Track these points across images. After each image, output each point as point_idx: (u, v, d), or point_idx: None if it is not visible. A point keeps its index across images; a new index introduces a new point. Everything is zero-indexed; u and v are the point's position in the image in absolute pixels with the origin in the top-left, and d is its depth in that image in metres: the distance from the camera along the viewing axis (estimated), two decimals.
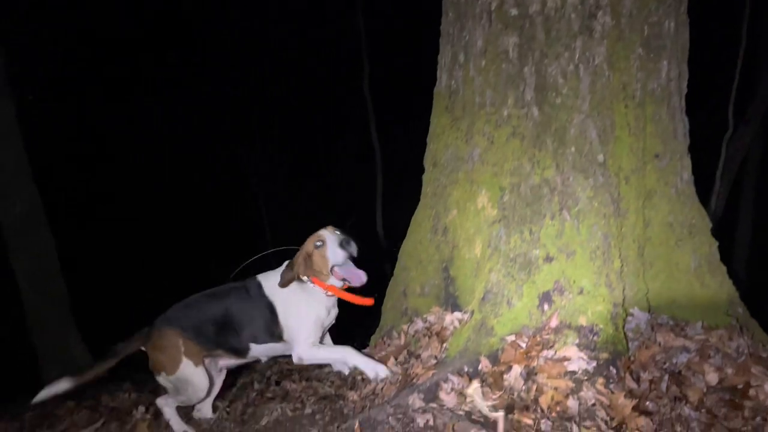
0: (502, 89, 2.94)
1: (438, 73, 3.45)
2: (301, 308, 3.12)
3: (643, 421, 2.31)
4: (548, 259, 2.76)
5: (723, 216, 8.57)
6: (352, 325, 3.70)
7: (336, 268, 3.08)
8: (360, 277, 3.06)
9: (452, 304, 3.18)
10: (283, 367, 3.87)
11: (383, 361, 3.08)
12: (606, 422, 2.32)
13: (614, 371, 2.58)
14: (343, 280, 3.10)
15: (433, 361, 2.84)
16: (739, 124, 8.21)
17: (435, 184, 3.34)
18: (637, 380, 2.56)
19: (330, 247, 3.07)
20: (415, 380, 2.75)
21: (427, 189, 3.44)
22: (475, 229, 3.07)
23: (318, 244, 3.09)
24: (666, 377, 2.57)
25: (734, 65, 7.27)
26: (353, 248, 3.09)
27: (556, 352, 2.59)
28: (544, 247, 2.78)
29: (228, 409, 3.38)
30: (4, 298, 6.37)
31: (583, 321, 2.66)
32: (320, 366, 3.52)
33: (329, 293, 3.15)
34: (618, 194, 2.88)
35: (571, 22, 2.80)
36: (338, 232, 3.13)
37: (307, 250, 3.13)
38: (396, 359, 3.03)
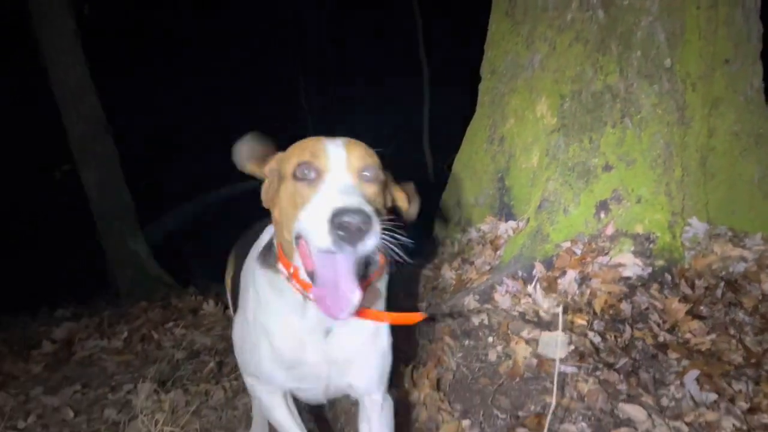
0: None
1: None
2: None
3: (696, 324, 2.36)
4: (607, 167, 2.74)
5: None
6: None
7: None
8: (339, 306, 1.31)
9: (506, 213, 3.22)
10: None
11: (437, 267, 3.19)
12: (659, 324, 2.38)
13: (669, 278, 2.61)
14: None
15: (487, 268, 2.92)
16: None
17: (492, 92, 3.29)
18: (692, 287, 2.58)
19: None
20: (468, 284, 2.85)
21: (484, 98, 3.40)
22: (533, 138, 3.05)
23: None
24: (722, 284, 2.59)
25: None
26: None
27: (611, 258, 2.63)
28: (603, 155, 2.75)
29: None
30: (76, 208, 6.75)
31: (639, 229, 2.67)
32: None
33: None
34: (683, 101, 2.79)
35: None
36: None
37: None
38: (450, 265, 3.12)
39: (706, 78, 2.87)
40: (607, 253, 2.65)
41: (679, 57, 2.75)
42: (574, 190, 2.77)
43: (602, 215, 2.74)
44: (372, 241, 1.19)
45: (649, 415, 1.86)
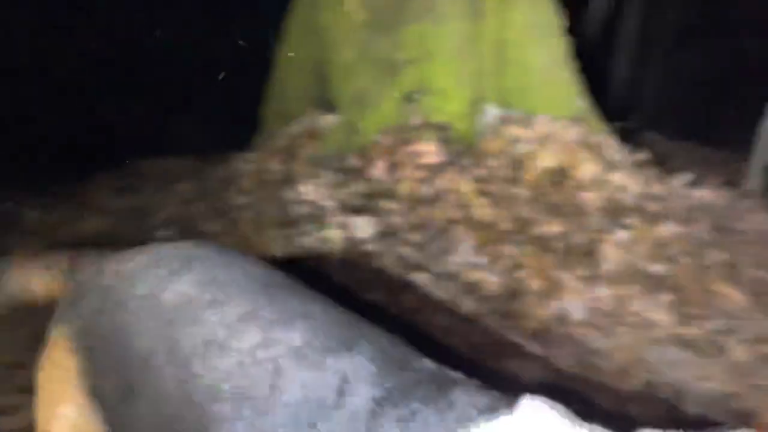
0: None
1: None
2: None
3: (482, 200, 2.78)
4: (411, 62, 2.97)
5: None
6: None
7: None
8: None
9: (328, 106, 3.38)
10: None
11: (266, 161, 3.33)
12: (452, 203, 2.77)
13: (464, 161, 2.99)
14: None
15: (308, 161, 3.12)
16: None
17: None
18: (483, 168, 2.99)
19: None
20: (293, 176, 3.04)
21: None
22: (345, 32, 3.17)
23: None
24: (506, 163, 3.02)
25: None
26: None
27: (415, 147, 2.94)
28: (407, 50, 2.96)
29: None
30: None
31: (440, 118, 2.98)
32: None
33: None
34: None
35: None
36: None
37: None
38: (275, 159, 3.27)
39: None
40: (412, 142, 2.95)
41: None
42: (382, 84, 2.99)
43: (408, 107, 3.00)
44: None
45: (434, 279, 2.26)
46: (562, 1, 3.58)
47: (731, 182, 3.48)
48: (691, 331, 2.22)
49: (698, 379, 2.02)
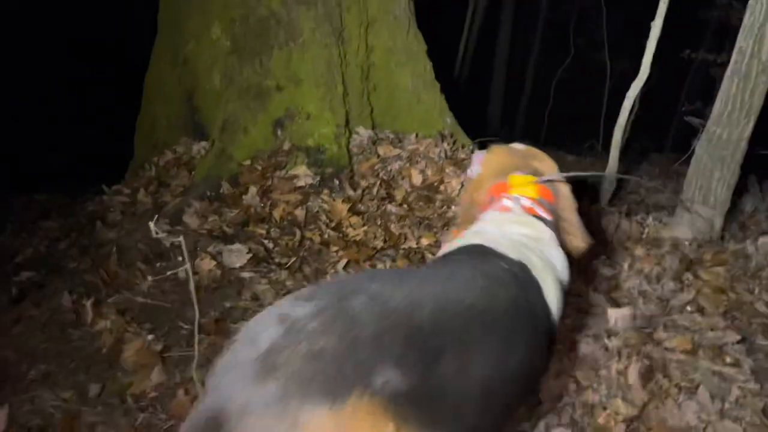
0: None
1: None
2: None
3: (355, 219, 2.87)
4: (278, 88, 3.02)
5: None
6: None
7: None
8: None
9: (199, 133, 3.36)
10: None
11: (135, 192, 3.24)
12: (326, 224, 2.84)
13: (337, 183, 3.07)
14: None
15: (181, 190, 3.07)
16: None
17: (169, 12, 3.28)
18: (355, 188, 3.09)
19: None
20: (163, 208, 2.98)
21: (164, 17, 3.37)
22: (212, 60, 3.17)
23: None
24: (378, 182, 3.14)
25: None
26: None
27: (287, 171, 2.99)
28: (274, 77, 3.02)
29: None
30: None
31: (310, 142, 3.06)
32: None
33: None
34: (340, 23, 3.15)
35: None
36: None
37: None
38: (146, 190, 3.20)
39: (360, 1, 3.25)
40: (284, 167, 3.00)
41: None
42: (251, 110, 3.01)
43: (279, 132, 3.05)
44: None
45: None
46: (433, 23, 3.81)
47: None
48: None
49: None
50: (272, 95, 3.01)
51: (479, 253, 1.26)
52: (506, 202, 1.42)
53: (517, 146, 1.64)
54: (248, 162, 2.97)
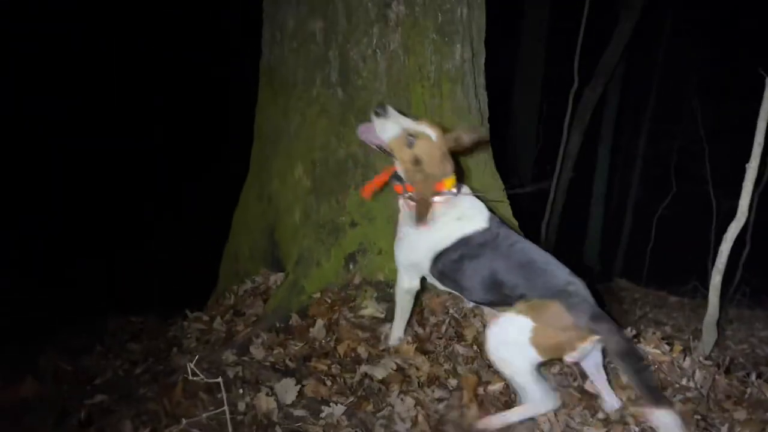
0: (311, 69, 3.20)
1: (262, 48, 3.63)
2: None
3: (421, 359, 2.77)
4: (353, 224, 3.12)
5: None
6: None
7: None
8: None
9: (277, 266, 3.49)
10: None
11: (212, 319, 3.35)
12: (393, 362, 2.76)
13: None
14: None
15: (254, 319, 3.14)
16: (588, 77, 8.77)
17: (259, 154, 3.57)
18: (423, 326, 3.02)
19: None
20: (234, 337, 3.05)
21: (254, 159, 3.66)
22: (293, 198, 3.36)
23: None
24: (447, 320, 3.06)
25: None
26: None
27: (356, 305, 2.99)
28: (349, 214, 3.13)
29: None
30: None
31: (381, 277, 3.07)
32: None
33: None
34: None
35: (368, 10, 3.08)
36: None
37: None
38: (222, 318, 3.30)
39: None
40: (354, 300, 3.01)
41: None
42: (325, 245, 3.11)
43: (351, 266, 3.11)
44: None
45: None
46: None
47: None
48: None
49: None
50: (346, 231, 3.11)
51: None
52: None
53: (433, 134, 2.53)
54: (318, 294, 3.01)
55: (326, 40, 3.14)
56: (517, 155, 9.84)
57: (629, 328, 3.16)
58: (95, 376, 3.25)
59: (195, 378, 1.63)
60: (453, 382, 2.67)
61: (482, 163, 3.65)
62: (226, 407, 1.67)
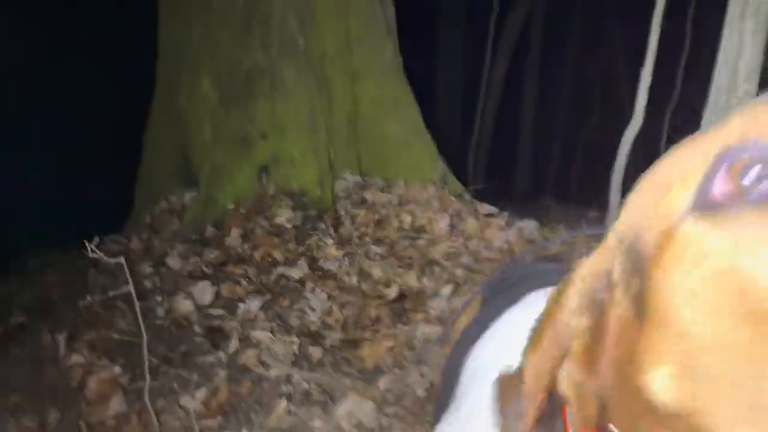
0: None
1: None
2: None
3: (334, 252, 2.91)
4: (263, 136, 3.15)
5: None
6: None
7: None
8: None
9: (191, 183, 3.49)
10: None
11: (130, 240, 3.35)
12: (308, 264, 2.88)
13: (322, 225, 3.13)
14: None
15: (170, 235, 3.17)
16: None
17: (165, 70, 3.49)
18: (337, 229, 3.14)
19: None
20: (152, 253, 3.08)
21: (161, 76, 3.58)
22: (202, 112, 3.33)
23: None
24: (371, 224, 3.19)
25: None
26: None
27: (271, 214, 3.07)
28: (259, 125, 3.15)
29: None
30: None
31: (295, 187, 3.15)
32: None
33: None
34: (323, 75, 3.30)
35: None
36: None
37: None
38: (138, 237, 3.31)
39: (344, 53, 3.41)
40: (269, 209, 3.08)
41: (314, 36, 3.23)
42: (237, 157, 3.14)
43: (264, 178, 3.16)
44: None
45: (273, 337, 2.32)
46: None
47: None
48: None
49: None
50: (257, 143, 3.14)
51: None
52: None
53: None
54: (232, 206, 3.06)
55: None
56: (444, 86, 9.91)
57: None
58: (11, 304, 3.23)
59: (94, 255, 1.67)
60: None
61: (392, 75, 3.71)
62: (131, 286, 1.72)
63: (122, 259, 1.69)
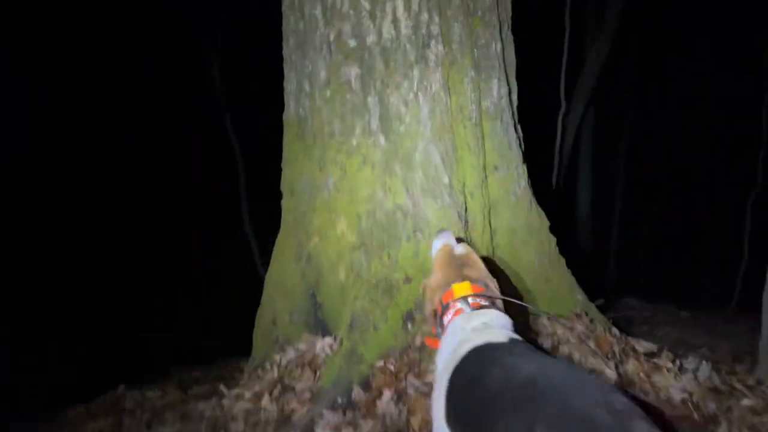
0: (349, 119, 3.00)
1: (285, 99, 3.43)
2: None
3: None
4: (407, 279, 2.89)
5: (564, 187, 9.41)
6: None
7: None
8: None
9: (322, 329, 3.23)
10: None
11: (258, 397, 3.06)
12: None
13: None
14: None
15: (308, 395, 2.87)
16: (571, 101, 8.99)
17: (294, 211, 3.34)
18: None
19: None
20: (291, 416, 2.77)
21: (287, 216, 3.43)
22: (337, 255, 3.12)
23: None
24: None
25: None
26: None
27: (421, 371, 2.74)
28: (402, 269, 2.90)
29: None
30: None
31: None
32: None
33: None
34: (465, 209, 3.07)
35: (407, 51, 2.91)
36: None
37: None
38: (270, 395, 3.02)
39: (481, 185, 3.20)
40: (419, 365, 2.76)
41: (455, 172, 3.04)
42: (381, 305, 2.87)
43: (409, 326, 2.86)
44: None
45: None
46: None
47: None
48: None
49: None
50: (401, 287, 2.87)
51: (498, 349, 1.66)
52: (458, 305, 1.90)
53: (458, 250, 2.16)
54: (380, 363, 2.75)
55: (363, 86, 2.95)
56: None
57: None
58: None
59: None
60: None
61: (526, 203, 3.47)
62: None
63: None
